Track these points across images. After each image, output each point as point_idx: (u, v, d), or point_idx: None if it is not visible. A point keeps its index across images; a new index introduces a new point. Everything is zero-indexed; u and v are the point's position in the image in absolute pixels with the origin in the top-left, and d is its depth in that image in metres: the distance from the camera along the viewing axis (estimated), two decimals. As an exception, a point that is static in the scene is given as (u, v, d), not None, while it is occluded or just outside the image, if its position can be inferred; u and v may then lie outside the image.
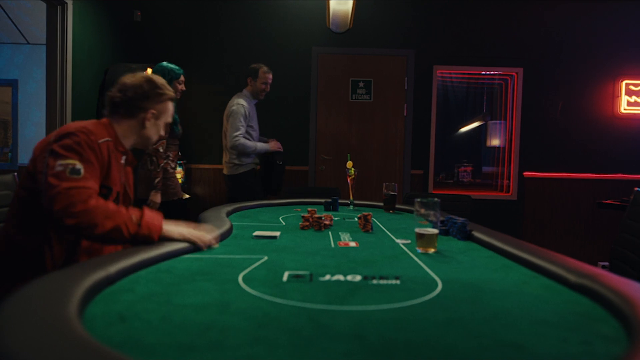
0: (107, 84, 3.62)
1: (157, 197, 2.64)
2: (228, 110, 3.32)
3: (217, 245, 1.37)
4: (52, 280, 0.84)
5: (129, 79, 1.50)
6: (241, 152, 3.25)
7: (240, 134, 3.22)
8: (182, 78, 2.85)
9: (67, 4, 3.10)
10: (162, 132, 1.59)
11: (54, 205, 1.19)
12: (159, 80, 1.54)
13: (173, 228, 1.30)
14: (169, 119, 1.59)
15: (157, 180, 2.61)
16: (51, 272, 0.90)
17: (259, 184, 3.40)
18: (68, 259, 1.38)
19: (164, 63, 2.86)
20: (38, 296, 0.76)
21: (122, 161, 1.50)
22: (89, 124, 1.38)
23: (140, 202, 2.65)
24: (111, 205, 1.27)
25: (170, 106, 1.57)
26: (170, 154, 2.79)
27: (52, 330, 0.62)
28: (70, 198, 1.20)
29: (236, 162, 3.30)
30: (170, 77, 2.77)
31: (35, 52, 5.06)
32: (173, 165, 2.84)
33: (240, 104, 3.27)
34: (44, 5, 3.12)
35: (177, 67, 2.83)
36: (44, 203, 1.23)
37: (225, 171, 3.40)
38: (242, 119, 3.23)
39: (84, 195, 1.22)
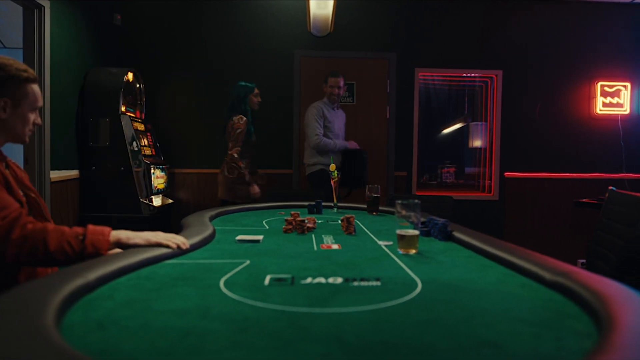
0: (87, 89, 3.58)
1: (255, 189, 3.28)
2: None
3: (187, 246, 1.32)
4: (29, 289, 0.83)
5: None
6: (322, 149, 3.51)
7: (319, 133, 3.49)
8: (256, 91, 3.34)
9: (44, 7, 3.05)
10: (37, 119, 1.39)
11: None
12: (6, 61, 1.31)
13: (135, 235, 1.25)
14: (38, 103, 1.37)
15: (247, 178, 3.24)
16: None
17: (344, 179, 3.59)
18: (9, 282, 1.27)
19: (240, 83, 3.40)
20: (15, 305, 0.75)
21: (4, 167, 1.34)
22: None
23: (222, 202, 3.23)
24: (48, 225, 1.19)
25: (32, 88, 1.35)
26: (245, 161, 3.29)
27: (29, 339, 0.61)
28: (2, 230, 1.12)
29: (310, 162, 3.59)
30: (246, 92, 3.30)
31: (12, 56, 4.94)
32: (245, 172, 3.29)
33: (312, 106, 3.63)
34: (20, 8, 3.06)
35: (249, 83, 3.38)
36: None
37: (305, 172, 3.74)
38: (316, 119, 3.51)
39: (18, 221, 1.15)
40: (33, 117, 1.38)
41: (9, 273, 1.28)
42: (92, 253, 1.18)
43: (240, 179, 3.28)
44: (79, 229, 1.21)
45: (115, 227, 1.28)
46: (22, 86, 1.32)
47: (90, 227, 1.22)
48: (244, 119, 3.32)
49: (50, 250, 1.15)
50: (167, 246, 1.26)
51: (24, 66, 1.34)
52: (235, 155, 3.23)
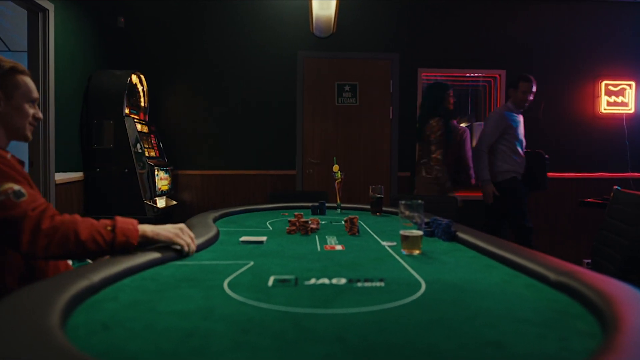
0: (91, 91, 3.60)
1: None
2: None
3: (194, 248, 1.33)
4: (35, 291, 0.84)
5: None
6: (476, 158, 3.59)
7: (484, 142, 3.52)
8: (451, 91, 3.47)
9: (48, 10, 3.07)
10: (37, 113, 1.37)
11: (19, 238, 1.10)
12: None
13: (159, 232, 1.25)
14: (32, 94, 1.35)
15: (447, 185, 3.43)
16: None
17: (525, 184, 3.63)
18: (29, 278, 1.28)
19: (434, 82, 3.58)
20: (20, 306, 0.75)
21: (22, 167, 1.33)
22: None
23: None
24: (77, 216, 1.20)
25: (22, 79, 1.33)
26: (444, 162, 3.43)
27: (34, 341, 0.62)
28: (32, 220, 1.12)
29: (502, 168, 3.55)
30: (443, 93, 3.42)
31: (16, 60, 4.92)
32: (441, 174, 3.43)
33: (494, 112, 3.66)
34: (24, 12, 3.09)
35: (442, 82, 3.60)
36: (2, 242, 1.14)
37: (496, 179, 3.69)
38: (491, 127, 3.53)
39: (46, 212, 1.15)
40: (32, 111, 1.36)
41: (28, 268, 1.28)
42: (123, 242, 1.18)
43: (438, 180, 3.41)
44: (107, 221, 1.22)
45: None
46: (9, 77, 1.30)
47: (119, 217, 1.23)
48: (442, 120, 3.39)
49: (81, 240, 1.14)
50: (182, 251, 1.27)
51: (9, 59, 1.33)
52: (440, 157, 3.37)
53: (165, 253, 1.23)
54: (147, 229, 1.25)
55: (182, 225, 1.34)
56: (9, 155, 1.27)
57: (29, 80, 1.35)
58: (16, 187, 1.16)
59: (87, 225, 1.17)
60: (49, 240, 1.13)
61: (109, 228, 1.19)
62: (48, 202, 1.24)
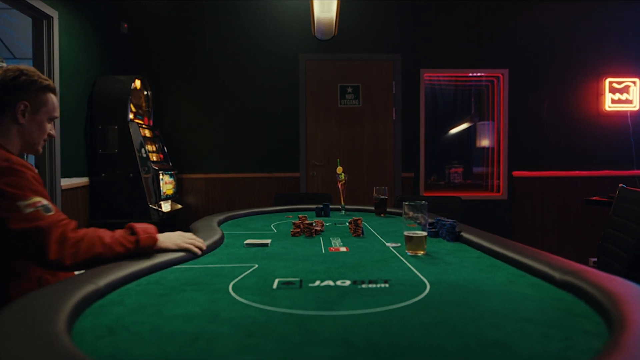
0: (96, 97, 3.62)
1: None
2: None
3: (205, 247, 1.39)
4: (41, 296, 0.84)
5: None
6: None
7: None
8: None
9: (52, 17, 3.10)
10: (52, 130, 1.42)
11: (47, 247, 1.13)
12: (29, 69, 1.35)
13: (167, 238, 1.30)
14: (55, 113, 1.41)
15: None
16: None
17: None
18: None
19: None
20: (27, 312, 0.76)
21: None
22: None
23: None
24: (94, 228, 1.24)
25: (51, 97, 1.39)
26: None
27: (41, 345, 0.62)
28: (59, 230, 1.16)
29: None
30: None
31: (22, 67, 5.02)
32: None
33: None
34: (29, 20, 3.11)
35: None
36: (25, 252, 1.17)
37: None
38: None
39: (70, 225, 1.20)
40: (49, 127, 1.41)
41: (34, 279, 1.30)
42: (147, 239, 1.23)
43: None
44: (121, 230, 1.27)
45: None
46: (42, 93, 1.36)
47: (135, 223, 1.28)
48: None
49: (107, 242, 1.18)
50: (193, 252, 1.32)
51: (46, 76, 1.40)
52: None
53: (170, 256, 1.24)
54: (167, 237, 1.31)
55: (184, 233, 1.39)
56: (36, 171, 1.30)
57: (55, 100, 1.42)
58: (45, 201, 1.20)
59: (108, 233, 1.22)
60: (76, 248, 1.16)
61: (127, 231, 1.25)
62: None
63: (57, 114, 1.42)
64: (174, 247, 1.29)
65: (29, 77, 1.33)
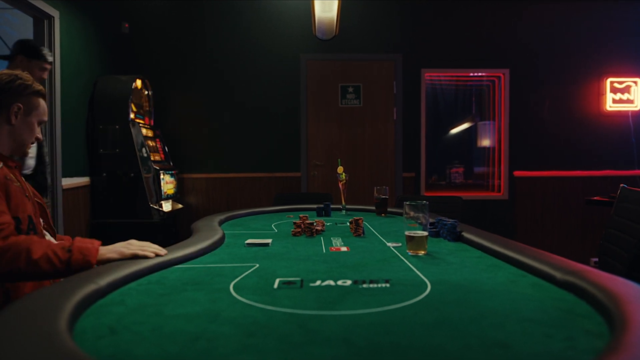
0: (97, 97, 3.63)
1: None
2: None
3: (165, 252, 1.26)
4: (42, 295, 0.84)
5: None
6: None
7: None
8: None
9: (53, 17, 3.10)
10: (39, 134, 1.45)
11: None
12: (23, 74, 1.40)
13: (109, 249, 1.21)
14: (44, 117, 1.45)
15: None
16: None
17: None
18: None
19: None
20: (28, 311, 0.76)
21: (14, 175, 1.35)
22: None
23: None
24: (34, 237, 1.20)
25: (41, 102, 1.43)
26: None
27: (42, 345, 0.62)
28: None
29: None
30: None
31: (23, 66, 5.03)
32: None
33: None
34: (30, 19, 3.12)
35: None
36: None
37: None
38: None
39: (2, 232, 1.14)
40: (37, 130, 1.46)
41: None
42: (80, 261, 1.15)
43: None
44: (67, 242, 1.22)
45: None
46: (34, 97, 1.43)
47: (80, 237, 1.27)
48: None
49: (33, 259, 1.11)
50: (144, 256, 1.20)
51: (38, 83, 1.46)
52: None
53: (171, 256, 1.24)
54: (111, 248, 1.22)
55: (131, 240, 1.28)
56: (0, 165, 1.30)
57: (44, 104, 1.48)
58: None
59: (42, 246, 1.15)
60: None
61: (66, 247, 1.17)
62: (11, 221, 1.21)
63: (46, 118, 1.49)
64: (118, 256, 1.19)
65: (24, 82, 1.40)
